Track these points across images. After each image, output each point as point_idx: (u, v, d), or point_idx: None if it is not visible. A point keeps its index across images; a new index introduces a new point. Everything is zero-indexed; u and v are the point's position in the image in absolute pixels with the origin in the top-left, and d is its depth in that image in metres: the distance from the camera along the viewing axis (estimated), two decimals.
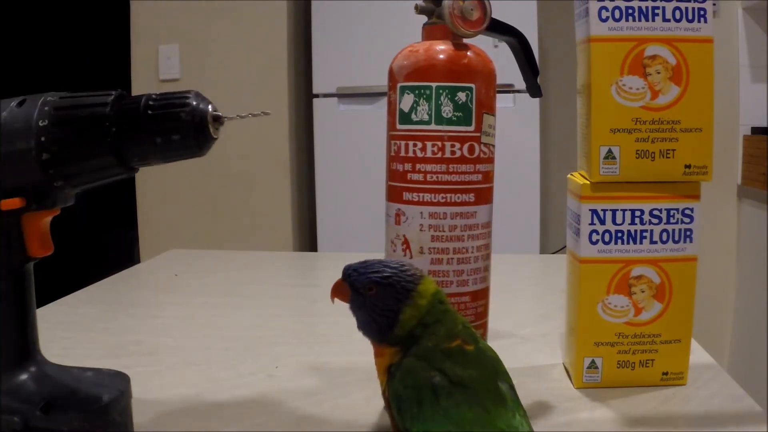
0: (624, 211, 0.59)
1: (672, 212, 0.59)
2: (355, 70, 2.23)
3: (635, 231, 0.59)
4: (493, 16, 0.54)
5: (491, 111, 0.54)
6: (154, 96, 0.45)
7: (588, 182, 0.59)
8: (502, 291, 0.76)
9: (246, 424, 0.55)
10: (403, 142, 0.53)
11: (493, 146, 0.55)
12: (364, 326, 0.44)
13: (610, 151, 0.58)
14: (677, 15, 0.57)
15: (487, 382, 0.42)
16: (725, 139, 2.14)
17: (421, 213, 0.53)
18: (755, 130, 2.12)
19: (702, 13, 0.57)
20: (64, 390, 0.47)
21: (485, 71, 0.53)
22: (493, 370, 0.43)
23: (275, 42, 2.33)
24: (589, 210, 0.59)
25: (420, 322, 0.43)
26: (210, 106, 0.45)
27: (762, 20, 2.11)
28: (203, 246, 2.30)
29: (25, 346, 0.48)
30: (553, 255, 1.68)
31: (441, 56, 0.52)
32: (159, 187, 2.40)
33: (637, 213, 0.59)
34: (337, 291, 0.46)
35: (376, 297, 0.43)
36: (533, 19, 2.14)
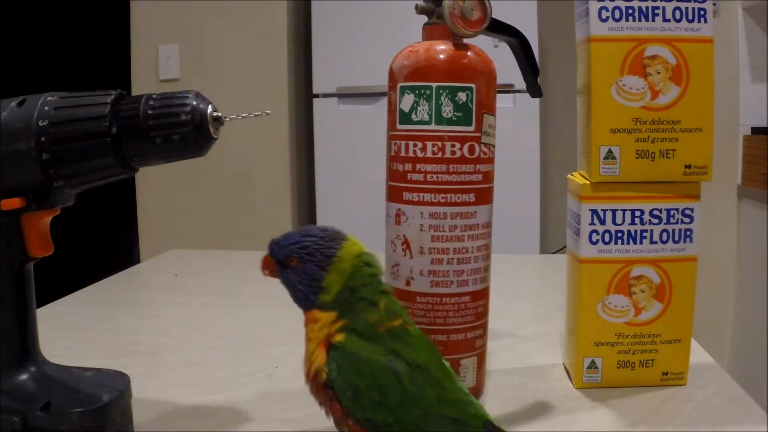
0: (624, 211, 0.59)
1: (672, 212, 0.59)
2: (355, 70, 2.23)
3: (635, 231, 0.59)
4: (493, 16, 0.54)
5: (491, 111, 0.54)
6: (154, 96, 0.45)
7: (588, 182, 0.59)
8: (502, 291, 0.76)
9: (245, 424, 0.55)
10: (403, 142, 0.53)
11: (494, 146, 0.55)
12: (293, 297, 0.45)
13: (610, 151, 0.58)
14: (677, 15, 0.57)
15: (435, 361, 0.43)
16: (725, 139, 2.14)
17: (421, 213, 0.53)
18: (755, 130, 2.11)
19: (702, 13, 0.57)
20: (64, 390, 0.47)
21: (485, 71, 0.53)
22: (434, 347, 0.45)
23: (275, 42, 2.32)
24: (589, 210, 0.59)
25: (346, 286, 0.43)
26: (210, 106, 0.45)
27: (762, 20, 2.11)
28: (203, 246, 2.30)
29: (25, 346, 0.48)
30: (553, 255, 1.68)
31: (441, 56, 0.52)
32: (159, 187, 2.40)
33: (637, 213, 0.59)
34: (266, 266, 0.46)
35: (298, 267, 0.44)
36: (533, 19, 2.14)
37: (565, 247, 0.66)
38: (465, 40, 0.54)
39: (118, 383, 0.48)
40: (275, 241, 0.45)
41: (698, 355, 0.68)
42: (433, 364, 0.43)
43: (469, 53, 0.53)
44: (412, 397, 0.41)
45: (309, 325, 0.44)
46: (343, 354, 0.42)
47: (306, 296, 0.44)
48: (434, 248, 0.53)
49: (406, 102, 0.53)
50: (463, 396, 0.43)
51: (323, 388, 0.42)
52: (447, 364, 0.44)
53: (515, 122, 2.12)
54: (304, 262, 0.44)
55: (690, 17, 0.57)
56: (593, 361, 0.61)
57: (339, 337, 0.42)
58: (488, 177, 0.54)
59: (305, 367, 0.44)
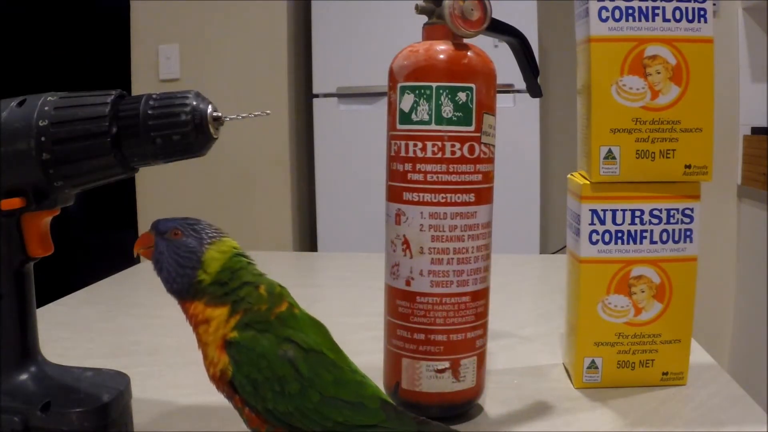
0: (624, 211, 0.59)
1: (672, 212, 0.59)
2: (355, 70, 2.23)
3: (635, 231, 0.59)
4: (493, 16, 0.54)
5: (491, 111, 0.54)
6: (154, 96, 0.45)
7: (588, 182, 0.59)
8: (502, 291, 0.76)
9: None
10: (403, 142, 0.53)
11: (494, 146, 0.55)
12: (167, 270, 0.44)
13: (610, 151, 0.58)
14: (677, 15, 0.57)
15: (327, 341, 0.44)
16: (725, 139, 2.14)
17: (421, 213, 0.53)
18: (755, 130, 2.11)
19: (702, 13, 0.57)
20: (64, 390, 0.47)
21: (485, 71, 0.53)
22: (322, 327, 0.45)
23: (275, 42, 2.32)
24: (589, 210, 0.59)
25: (225, 267, 0.43)
26: (210, 106, 0.45)
27: (762, 20, 2.11)
28: None
29: (25, 346, 0.48)
30: (553, 255, 1.68)
31: (441, 56, 0.52)
32: (159, 187, 2.40)
33: (637, 213, 0.59)
34: (142, 241, 0.46)
35: (179, 240, 0.44)
36: (533, 19, 2.14)
37: (565, 247, 0.66)
38: (465, 40, 0.54)
39: (118, 383, 0.48)
40: (160, 219, 0.45)
41: (698, 355, 0.68)
42: (325, 346, 0.43)
43: (469, 53, 0.53)
44: (310, 383, 0.41)
45: (201, 326, 0.43)
46: (239, 350, 0.42)
47: (183, 270, 0.43)
48: (434, 248, 0.53)
49: (406, 102, 0.53)
50: (359, 378, 0.44)
51: (227, 384, 0.42)
52: (336, 343, 0.45)
53: (515, 122, 2.12)
54: (186, 236, 0.44)
55: (690, 17, 0.57)
56: (593, 361, 0.61)
57: (233, 334, 0.42)
58: (488, 177, 0.54)
59: (208, 371, 0.43)
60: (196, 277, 0.43)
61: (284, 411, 0.41)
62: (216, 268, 0.43)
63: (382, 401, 0.43)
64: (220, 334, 0.42)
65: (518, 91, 2.13)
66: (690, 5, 0.57)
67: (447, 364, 0.54)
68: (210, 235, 0.44)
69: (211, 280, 0.43)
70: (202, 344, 0.43)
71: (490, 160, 0.54)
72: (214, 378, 0.43)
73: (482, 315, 0.55)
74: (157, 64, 2.38)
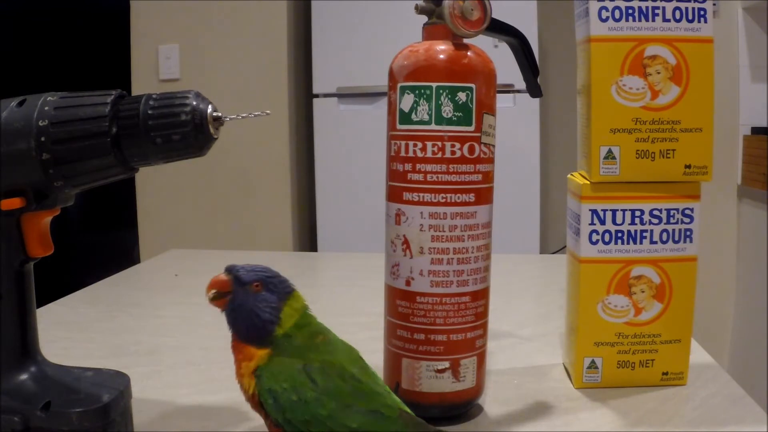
0: (624, 211, 0.59)
1: (672, 212, 0.59)
2: (355, 70, 2.22)
3: (635, 231, 0.59)
4: (493, 16, 0.54)
5: (491, 111, 0.54)
6: (154, 96, 0.45)
7: (588, 182, 0.59)
8: (502, 291, 0.76)
9: (245, 424, 0.55)
10: (403, 142, 0.53)
11: (494, 146, 0.55)
12: (247, 322, 0.45)
13: (610, 151, 0.58)
14: (677, 15, 0.57)
15: (351, 357, 0.45)
16: (725, 139, 2.14)
17: (421, 213, 0.53)
18: (755, 130, 2.11)
19: (702, 13, 0.57)
20: (64, 390, 0.47)
21: (485, 71, 0.53)
22: (355, 352, 0.47)
23: (275, 42, 2.32)
24: (589, 210, 0.59)
25: (296, 323, 0.45)
26: (210, 106, 0.45)
27: (762, 20, 2.11)
28: (203, 246, 2.30)
29: (25, 346, 0.48)
30: (553, 255, 1.68)
31: (441, 56, 0.52)
32: (159, 187, 2.40)
33: (637, 213, 0.59)
34: (220, 285, 0.46)
35: (260, 293, 0.45)
36: (533, 19, 2.14)
37: (565, 247, 0.66)
38: (465, 40, 0.54)
39: (118, 383, 0.48)
40: (239, 266, 0.47)
41: (698, 355, 0.68)
42: (347, 360, 0.45)
43: (469, 53, 0.53)
44: (326, 391, 0.42)
45: (244, 362, 0.45)
46: (264, 370, 0.44)
47: (264, 324, 0.45)
48: (434, 248, 0.53)
49: (406, 102, 0.53)
50: (379, 389, 0.44)
51: (259, 406, 0.45)
52: (367, 363, 0.46)
53: (515, 122, 2.12)
54: (267, 290, 0.46)
55: (690, 17, 0.57)
56: (593, 361, 0.61)
57: (264, 362, 0.44)
58: (488, 177, 0.54)
59: (245, 395, 0.46)
60: (274, 331, 0.45)
61: (301, 420, 0.42)
62: (290, 324, 0.45)
63: (401, 411, 0.43)
64: (254, 365, 0.45)
65: (518, 91, 2.12)
66: (690, 5, 0.57)
67: (447, 364, 0.54)
68: (286, 290, 0.46)
69: (283, 334, 0.45)
70: (240, 376, 0.46)
71: (490, 160, 0.54)
72: (252, 402, 0.45)
73: (482, 315, 0.55)
74: (157, 64, 2.38)
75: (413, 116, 0.53)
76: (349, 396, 0.43)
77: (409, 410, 0.44)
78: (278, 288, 0.46)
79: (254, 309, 0.45)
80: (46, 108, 0.45)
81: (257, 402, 0.44)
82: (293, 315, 0.46)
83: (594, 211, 0.59)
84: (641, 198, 0.59)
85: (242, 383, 0.45)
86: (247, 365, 0.45)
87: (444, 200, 0.52)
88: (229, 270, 0.46)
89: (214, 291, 0.46)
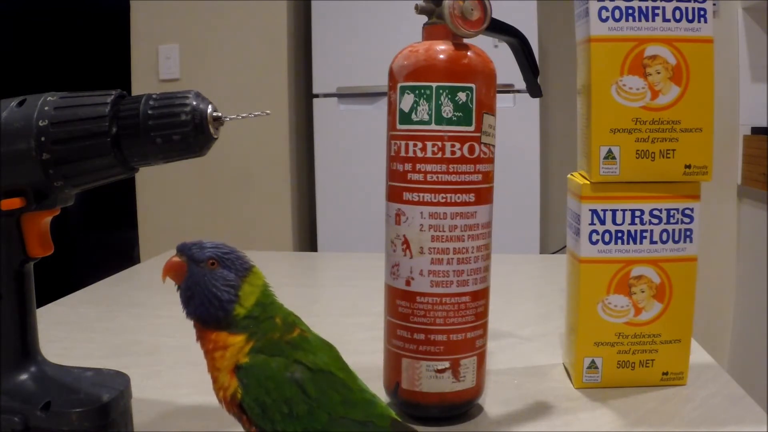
0: (624, 211, 0.59)
1: (672, 212, 0.59)
2: (355, 70, 2.23)
3: (635, 231, 0.59)
4: (493, 16, 0.54)
5: (491, 111, 0.54)
6: (154, 96, 0.45)
7: (588, 182, 0.59)
8: (502, 291, 0.76)
9: None
10: (403, 142, 0.53)
11: (494, 146, 0.55)
12: (204, 303, 0.43)
13: (610, 151, 0.58)
14: (677, 15, 0.57)
15: (337, 363, 0.44)
16: (725, 139, 2.14)
17: (421, 213, 0.53)
18: (755, 130, 2.12)
19: (702, 13, 0.57)
20: (64, 390, 0.47)
21: (485, 71, 0.53)
22: (333, 349, 0.45)
23: (275, 42, 2.32)
24: (589, 210, 0.59)
25: (258, 302, 0.43)
26: (210, 106, 0.45)
27: (762, 20, 2.11)
28: None
29: (25, 346, 0.48)
30: (553, 255, 1.68)
31: (441, 56, 0.52)
32: (159, 187, 2.40)
33: (637, 213, 0.59)
34: (174, 267, 0.44)
35: (216, 271, 0.43)
36: (533, 19, 2.14)
37: (565, 247, 0.66)
38: (465, 40, 0.54)
39: (118, 383, 0.48)
40: (189, 244, 0.44)
41: (698, 355, 0.68)
42: (334, 366, 0.43)
43: (469, 53, 0.53)
44: (318, 403, 0.41)
45: (217, 351, 0.43)
46: (248, 373, 0.42)
47: (222, 303, 0.43)
48: (434, 248, 0.53)
49: (406, 102, 0.53)
50: (368, 396, 0.43)
51: (237, 407, 0.42)
52: (347, 364, 0.45)
53: (515, 122, 2.12)
54: (223, 267, 0.43)
55: (690, 17, 0.57)
56: (593, 361, 0.61)
57: (245, 359, 0.42)
58: (488, 177, 0.54)
59: (218, 394, 0.43)
60: (233, 310, 0.43)
61: None
62: (251, 302, 0.43)
63: (392, 420, 0.43)
64: (233, 361, 0.42)
65: (518, 91, 2.13)
66: (690, 5, 0.57)
67: (447, 364, 0.54)
68: (243, 266, 0.44)
69: (245, 314, 0.43)
70: (215, 369, 0.43)
71: (490, 160, 0.54)
72: (224, 401, 0.43)
73: (482, 315, 0.55)
74: (157, 64, 2.38)
75: (413, 116, 0.53)
76: (341, 407, 0.42)
77: (395, 415, 0.43)
78: (235, 264, 0.44)
79: (210, 287, 0.43)
80: (46, 108, 0.45)
81: (236, 403, 0.42)
82: (254, 292, 0.43)
83: (594, 211, 0.59)
84: (641, 198, 0.59)
85: (218, 379, 0.43)
86: (223, 356, 0.42)
87: (444, 200, 0.52)
88: (182, 250, 0.44)
89: (170, 274, 0.44)
